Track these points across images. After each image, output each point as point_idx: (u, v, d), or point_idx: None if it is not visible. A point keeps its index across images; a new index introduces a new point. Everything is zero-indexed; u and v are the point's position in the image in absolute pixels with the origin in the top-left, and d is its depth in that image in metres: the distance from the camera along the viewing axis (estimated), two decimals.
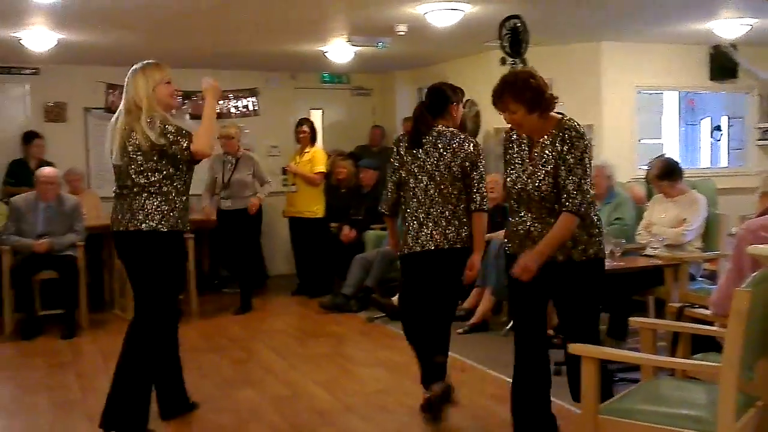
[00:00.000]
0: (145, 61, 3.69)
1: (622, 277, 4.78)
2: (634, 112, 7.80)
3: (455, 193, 3.80)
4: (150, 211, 3.59)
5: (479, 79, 7.85)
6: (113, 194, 3.76)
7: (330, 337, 6.02)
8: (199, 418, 4.06)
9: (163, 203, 3.60)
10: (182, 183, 3.69)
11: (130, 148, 3.57)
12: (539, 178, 3.15)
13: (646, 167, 6.70)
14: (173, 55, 7.56)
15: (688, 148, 9.55)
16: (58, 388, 4.67)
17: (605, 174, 5.47)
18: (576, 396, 3.22)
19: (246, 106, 8.72)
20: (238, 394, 4.51)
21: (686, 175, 5.54)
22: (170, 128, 3.54)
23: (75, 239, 6.20)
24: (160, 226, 3.59)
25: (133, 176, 3.59)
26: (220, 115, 8.55)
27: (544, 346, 3.42)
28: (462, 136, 3.87)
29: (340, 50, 7.43)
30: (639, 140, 8.03)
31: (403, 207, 3.93)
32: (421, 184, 3.83)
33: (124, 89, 3.65)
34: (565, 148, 3.10)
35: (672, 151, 8.73)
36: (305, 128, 7.58)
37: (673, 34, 7.20)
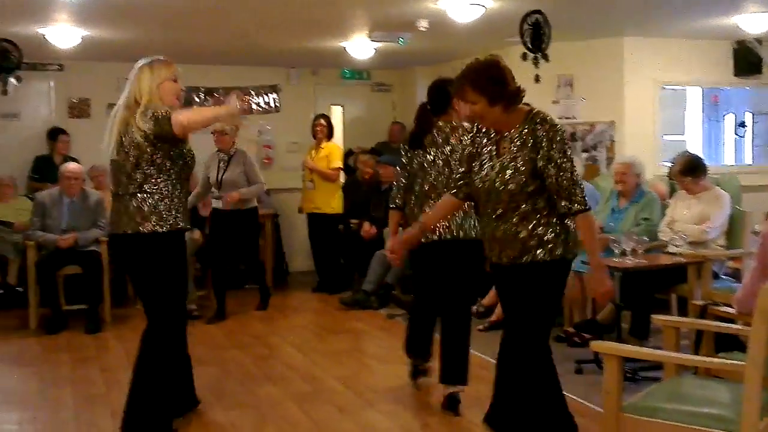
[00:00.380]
0: (153, 57, 3.59)
1: (645, 274, 4.75)
2: (657, 108, 7.73)
3: None
4: (147, 211, 3.45)
5: None
6: (111, 195, 3.66)
7: (350, 333, 6.04)
8: (221, 414, 4.09)
9: (159, 202, 3.46)
10: (178, 177, 3.53)
11: (126, 143, 3.42)
12: (507, 175, 2.95)
13: (669, 164, 6.65)
14: (196, 52, 7.64)
15: (711, 145, 9.43)
16: (82, 382, 4.72)
17: (634, 172, 5.37)
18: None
19: (267, 103, 8.76)
20: (261, 390, 4.54)
21: (710, 172, 5.48)
22: (157, 111, 3.36)
23: (99, 234, 6.27)
24: (158, 227, 3.45)
25: (129, 172, 3.45)
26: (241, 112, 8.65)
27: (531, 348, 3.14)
28: (461, 131, 3.86)
29: (360, 46, 7.43)
30: (662, 137, 7.97)
31: (412, 205, 4.01)
32: (429, 178, 3.91)
33: (128, 83, 3.52)
34: (544, 144, 2.89)
35: (695, 147, 8.63)
36: (322, 122, 7.59)
37: (697, 29, 7.12)
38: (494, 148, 3.04)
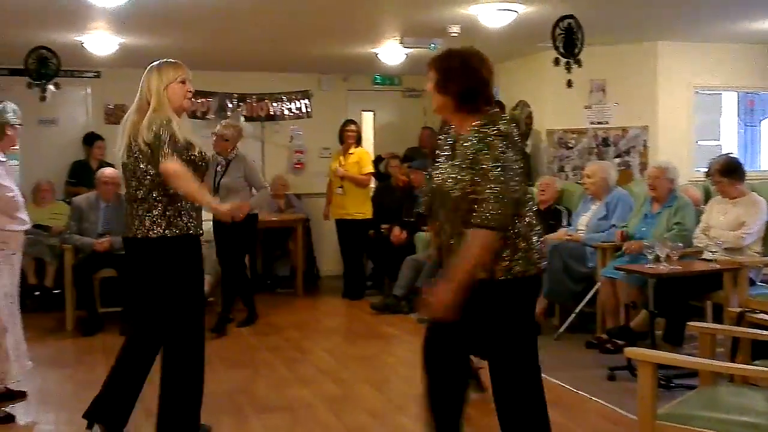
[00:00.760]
0: (162, 60, 3.55)
1: (679, 281, 4.70)
2: (692, 113, 7.65)
3: None
4: (156, 216, 3.38)
5: (531, 81, 7.82)
6: (124, 199, 3.63)
7: (381, 338, 6.06)
8: (254, 416, 4.12)
9: (169, 207, 3.39)
10: None
11: (135, 148, 3.39)
12: (453, 177, 2.69)
13: (704, 169, 6.57)
14: (229, 59, 7.73)
15: (747, 150, 9.31)
16: None
17: (667, 177, 5.32)
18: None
19: (299, 108, 8.82)
20: (293, 393, 4.56)
21: (746, 178, 5.40)
22: (163, 137, 3.30)
23: None
24: (167, 231, 3.38)
25: (139, 176, 3.41)
26: (273, 117, 8.73)
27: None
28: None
29: (392, 52, 7.46)
30: (696, 142, 7.87)
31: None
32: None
33: (139, 87, 3.49)
34: (482, 148, 2.63)
35: (731, 152, 8.52)
36: (353, 128, 7.62)
37: (733, 33, 7.03)
38: (450, 148, 2.81)
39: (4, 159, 4.02)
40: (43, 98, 6.94)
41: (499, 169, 2.60)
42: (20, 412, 4.17)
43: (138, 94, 3.49)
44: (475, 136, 2.66)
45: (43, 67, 6.83)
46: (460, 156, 2.69)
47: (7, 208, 3.95)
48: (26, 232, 4.19)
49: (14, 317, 4.13)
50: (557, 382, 4.52)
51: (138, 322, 3.64)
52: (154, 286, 3.50)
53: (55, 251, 6.76)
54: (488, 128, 2.65)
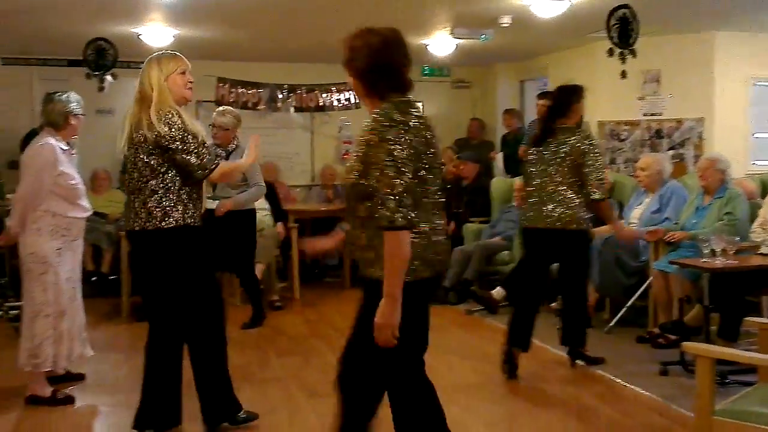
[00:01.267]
0: (161, 51, 3.56)
1: (735, 276, 4.60)
2: (749, 104, 7.47)
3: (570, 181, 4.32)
4: (152, 207, 3.35)
5: (582, 72, 7.69)
6: (125, 191, 3.58)
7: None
8: (306, 403, 4.18)
9: (164, 199, 3.36)
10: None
11: (136, 139, 3.36)
12: (350, 167, 2.56)
13: (762, 162, 6.42)
14: (279, 50, 7.81)
15: None
16: None
17: (717, 168, 5.22)
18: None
19: (348, 99, 8.85)
20: None
21: None
22: (189, 136, 3.33)
23: None
24: (163, 223, 3.35)
25: (140, 168, 3.37)
26: (323, 108, 8.79)
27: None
28: (577, 134, 4.35)
29: (442, 43, 7.44)
30: (753, 134, 7.69)
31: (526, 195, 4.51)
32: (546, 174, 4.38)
33: (139, 79, 3.46)
34: (372, 138, 2.45)
35: None
36: None
37: None
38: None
39: (67, 148, 4.13)
40: (101, 88, 7.10)
41: (391, 162, 2.40)
42: (78, 394, 4.31)
43: (138, 87, 3.44)
44: (370, 125, 2.49)
45: (101, 58, 7.00)
46: (356, 145, 2.57)
47: (70, 196, 4.07)
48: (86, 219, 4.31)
49: (75, 302, 4.26)
50: (609, 376, 4.50)
51: (150, 317, 3.60)
52: (155, 278, 3.48)
53: (112, 238, 6.93)
54: (383, 116, 2.46)
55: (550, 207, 4.36)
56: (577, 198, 4.33)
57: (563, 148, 4.34)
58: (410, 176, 2.42)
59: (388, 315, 2.42)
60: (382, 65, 2.53)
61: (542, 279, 4.62)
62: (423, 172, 2.48)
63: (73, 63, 7.46)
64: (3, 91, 7.03)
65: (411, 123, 2.47)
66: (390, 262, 2.41)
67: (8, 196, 6.38)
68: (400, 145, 2.41)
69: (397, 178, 2.39)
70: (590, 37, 6.97)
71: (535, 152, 4.51)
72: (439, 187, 2.60)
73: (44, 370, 4.12)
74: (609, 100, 7.50)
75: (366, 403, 2.69)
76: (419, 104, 2.55)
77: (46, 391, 4.14)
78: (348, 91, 8.85)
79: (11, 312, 5.58)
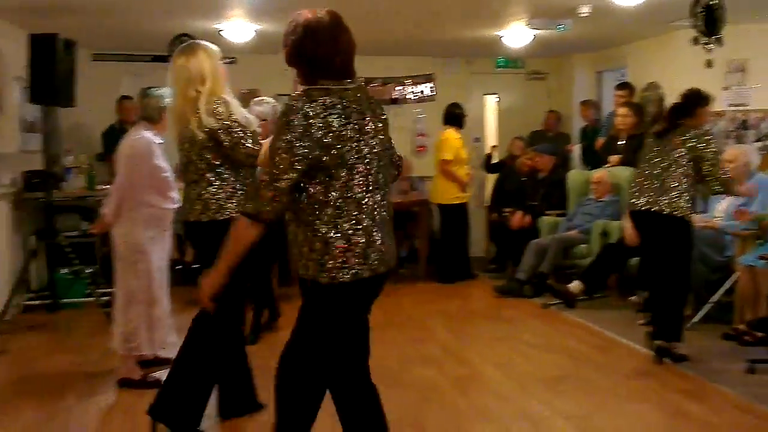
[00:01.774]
0: (198, 40, 3.51)
1: None
2: None
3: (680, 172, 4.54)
4: (208, 199, 3.34)
5: (663, 62, 7.52)
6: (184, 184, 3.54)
7: (504, 320, 6.05)
8: (383, 393, 4.21)
9: (219, 191, 3.33)
10: (240, 165, 3.37)
11: (186, 133, 3.33)
12: None
13: None
14: (356, 44, 7.86)
15: None
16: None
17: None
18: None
19: (422, 92, 8.88)
20: (419, 370, 4.65)
21: None
22: (236, 125, 3.28)
23: None
24: (218, 215, 3.32)
25: (194, 161, 3.35)
26: (396, 101, 8.83)
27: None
28: (697, 132, 4.58)
29: (517, 34, 7.37)
30: None
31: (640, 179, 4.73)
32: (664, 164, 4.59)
33: (177, 68, 3.37)
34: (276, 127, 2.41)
35: None
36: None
37: None
38: None
39: (161, 141, 4.28)
40: None
41: (278, 151, 2.34)
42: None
43: (179, 78, 3.37)
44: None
45: None
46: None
47: (162, 188, 4.23)
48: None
49: (164, 290, 4.43)
50: (694, 373, 4.41)
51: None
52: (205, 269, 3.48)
53: None
54: (285, 105, 2.40)
55: (661, 195, 4.54)
56: (687, 192, 4.54)
57: (685, 143, 4.56)
58: (298, 167, 2.32)
59: (210, 282, 2.61)
60: (303, 52, 2.44)
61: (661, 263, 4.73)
62: (337, 166, 2.36)
63: (157, 58, 7.68)
64: (93, 87, 7.28)
65: (311, 111, 2.34)
66: (232, 242, 2.48)
67: (98, 186, 6.67)
68: (289, 134, 2.32)
69: (275, 168, 2.34)
70: (672, 26, 6.78)
71: (656, 144, 4.72)
72: (380, 181, 2.48)
73: (137, 354, 4.30)
74: None
75: (303, 405, 2.61)
76: (351, 91, 2.45)
77: (137, 374, 4.32)
78: (422, 83, 8.89)
79: (102, 298, 5.82)
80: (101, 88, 7.61)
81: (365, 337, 2.67)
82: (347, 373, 2.63)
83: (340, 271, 2.38)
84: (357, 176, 2.40)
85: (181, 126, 3.36)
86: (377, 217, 2.45)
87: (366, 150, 2.43)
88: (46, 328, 5.67)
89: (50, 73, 5.77)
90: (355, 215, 2.39)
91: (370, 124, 2.47)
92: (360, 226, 2.40)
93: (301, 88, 2.44)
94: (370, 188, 2.44)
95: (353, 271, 2.39)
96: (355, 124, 2.41)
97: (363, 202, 2.41)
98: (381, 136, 2.52)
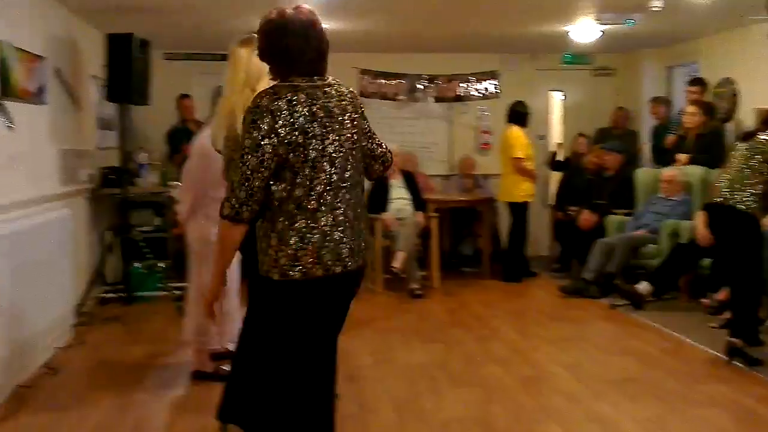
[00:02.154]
0: (243, 36, 3.43)
1: None
2: None
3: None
4: None
5: (737, 57, 7.30)
6: None
7: (571, 321, 5.98)
8: (450, 391, 4.25)
9: None
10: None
11: (230, 135, 3.18)
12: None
13: None
14: (419, 41, 7.88)
15: None
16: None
17: None
18: None
19: (486, 89, 8.82)
20: (485, 370, 4.65)
21: None
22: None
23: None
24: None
25: (237, 160, 3.00)
26: (460, 98, 8.80)
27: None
28: None
29: (585, 29, 7.25)
30: None
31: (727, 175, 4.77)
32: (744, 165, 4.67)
33: (238, 58, 3.36)
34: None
35: None
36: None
37: None
38: None
39: None
40: None
41: (246, 150, 2.34)
42: None
43: (238, 69, 3.34)
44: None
45: None
46: None
47: None
48: None
49: (234, 284, 4.52)
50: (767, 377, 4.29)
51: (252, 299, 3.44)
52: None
53: None
54: (253, 102, 2.38)
55: (738, 193, 4.60)
56: (758, 195, 4.59)
57: (759, 147, 4.61)
58: (268, 164, 2.33)
59: (210, 288, 2.60)
60: (273, 49, 2.43)
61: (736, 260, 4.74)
62: (301, 164, 2.35)
63: (225, 57, 7.84)
64: (166, 86, 7.49)
65: (276, 110, 2.33)
66: (218, 246, 2.49)
67: (170, 183, 6.85)
68: (256, 132, 2.33)
69: (244, 167, 2.34)
70: (748, 20, 6.58)
71: (742, 145, 4.77)
72: (348, 179, 2.46)
73: (209, 347, 4.41)
74: (767, 86, 7.06)
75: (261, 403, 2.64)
76: (320, 88, 2.42)
77: (210, 366, 4.43)
78: (486, 80, 8.83)
79: (174, 292, 5.99)
80: (175, 88, 7.82)
81: (329, 338, 2.62)
82: (303, 372, 2.57)
83: (291, 269, 2.39)
84: (321, 174, 2.39)
85: (229, 123, 3.24)
86: (341, 215, 2.44)
87: (332, 148, 2.42)
88: (121, 320, 5.86)
89: (126, 71, 5.96)
90: (313, 213, 2.39)
91: (339, 120, 2.45)
92: (316, 225, 2.39)
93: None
94: (334, 186, 2.42)
95: (305, 269, 2.39)
96: (321, 121, 2.40)
97: (324, 200, 2.40)
98: (351, 133, 2.50)
